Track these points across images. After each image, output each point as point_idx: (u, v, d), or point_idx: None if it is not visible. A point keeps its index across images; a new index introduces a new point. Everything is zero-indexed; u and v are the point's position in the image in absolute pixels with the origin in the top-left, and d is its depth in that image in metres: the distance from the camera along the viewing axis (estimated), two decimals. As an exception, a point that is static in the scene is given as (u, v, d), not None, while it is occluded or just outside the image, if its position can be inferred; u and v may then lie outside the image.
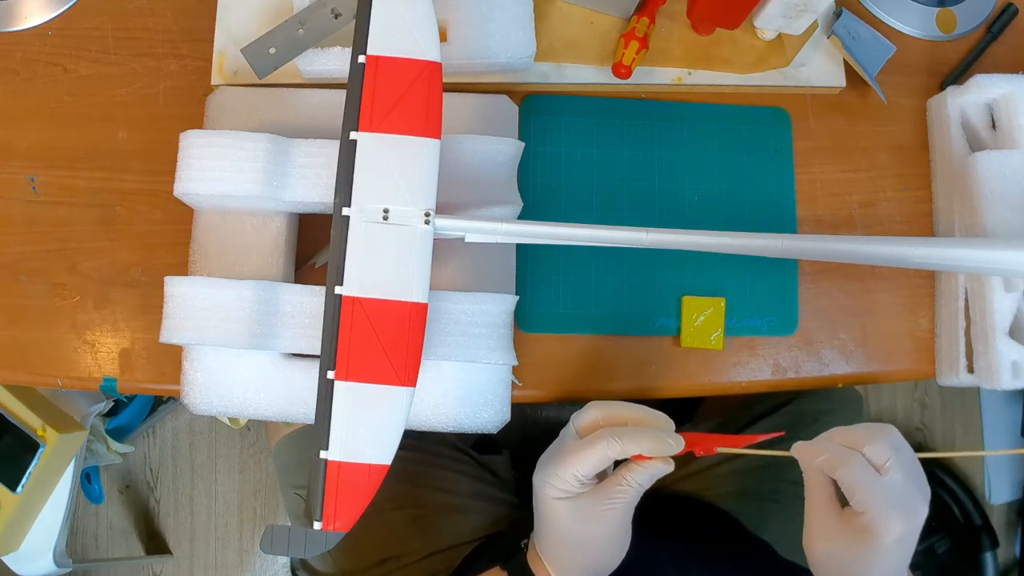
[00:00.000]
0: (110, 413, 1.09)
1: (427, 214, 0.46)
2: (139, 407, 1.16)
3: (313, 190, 0.51)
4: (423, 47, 0.48)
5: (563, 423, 0.49)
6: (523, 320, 0.59)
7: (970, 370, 0.59)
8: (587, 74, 0.61)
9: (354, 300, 0.45)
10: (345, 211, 0.46)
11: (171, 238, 0.58)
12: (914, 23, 0.66)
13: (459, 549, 0.69)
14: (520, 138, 0.59)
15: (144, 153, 0.59)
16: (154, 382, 0.58)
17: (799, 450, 0.47)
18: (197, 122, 0.58)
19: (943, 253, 0.49)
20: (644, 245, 0.49)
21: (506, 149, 0.55)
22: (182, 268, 0.56)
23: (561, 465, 0.46)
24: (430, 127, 0.47)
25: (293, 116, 0.57)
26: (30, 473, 0.82)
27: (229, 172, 0.50)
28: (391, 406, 0.44)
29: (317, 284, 0.50)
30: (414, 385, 0.45)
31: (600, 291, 0.60)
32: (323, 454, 0.43)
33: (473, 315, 0.50)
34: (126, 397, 1.10)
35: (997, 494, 1.36)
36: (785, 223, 0.63)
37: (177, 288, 0.51)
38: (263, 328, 0.50)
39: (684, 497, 0.73)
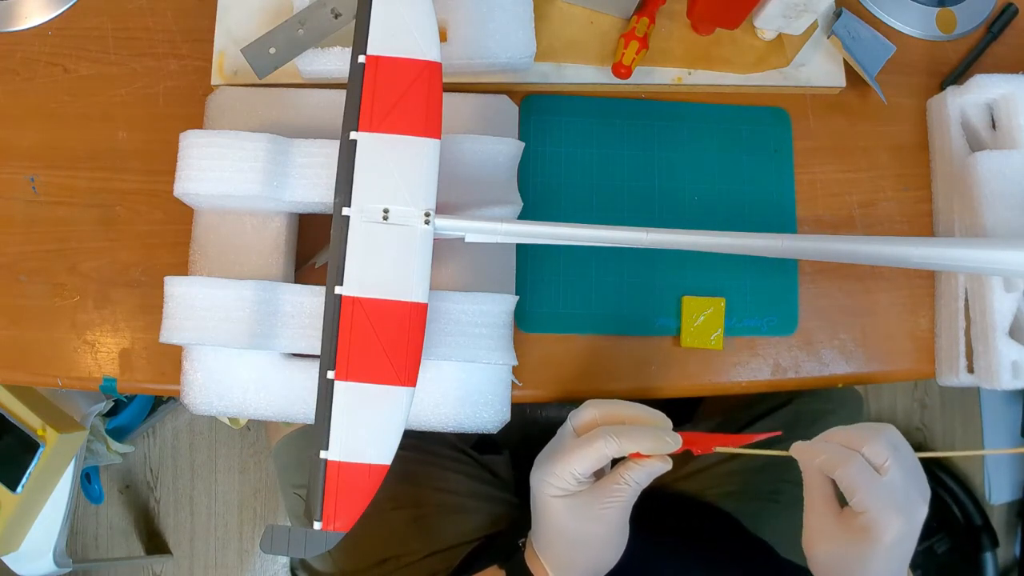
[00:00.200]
0: (110, 413, 1.09)
1: (427, 214, 0.46)
2: (139, 407, 1.16)
3: (313, 190, 0.51)
4: (423, 47, 0.48)
5: (563, 423, 0.49)
6: (523, 320, 0.59)
7: (970, 370, 0.59)
8: (587, 74, 0.61)
9: (354, 300, 0.45)
10: (345, 211, 0.46)
11: (171, 238, 0.58)
12: (914, 23, 0.66)
13: (459, 549, 0.69)
14: (520, 138, 0.59)
15: (144, 153, 0.59)
16: (154, 382, 0.58)
17: (798, 450, 0.47)
18: (197, 122, 0.58)
19: (943, 253, 0.49)
20: (644, 245, 0.49)
21: (506, 149, 0.55)
22: (182, 268, 0.56)
23: (559, 463, 0.46)
24: (430, 127, 0.47)
25: (293, 116, 0.57)
26: (30, 473, 0.82)
27: (229, 172, 0.50)
28: (391, 406, 0.44)
29: (317, 284, 0.50)
30: (414, 385, 0.45)
31: (600, 291, 0.60)
32: (323, 454, 0.43)
33: (473, 315, 0.50)
34: (126, 397, 1.10)
35: (997, 494, 1.36)
36: (785, 223, 0.63)
37: (177, 288, 0.51)
38: (263, 328, 0.50)
39: (684, 497, 0.73)
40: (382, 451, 0.44)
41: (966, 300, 0.60)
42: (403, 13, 0.48)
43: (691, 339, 0.60)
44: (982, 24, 0.67)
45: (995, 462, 1.37)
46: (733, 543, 0.67)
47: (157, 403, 1.22)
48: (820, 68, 0.63)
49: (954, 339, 0.60)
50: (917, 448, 0.48)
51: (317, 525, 0.43)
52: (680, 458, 0.68)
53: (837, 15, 0.62)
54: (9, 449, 0.81)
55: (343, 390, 0.44)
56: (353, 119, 0.46)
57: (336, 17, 0.53)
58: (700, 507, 0.71)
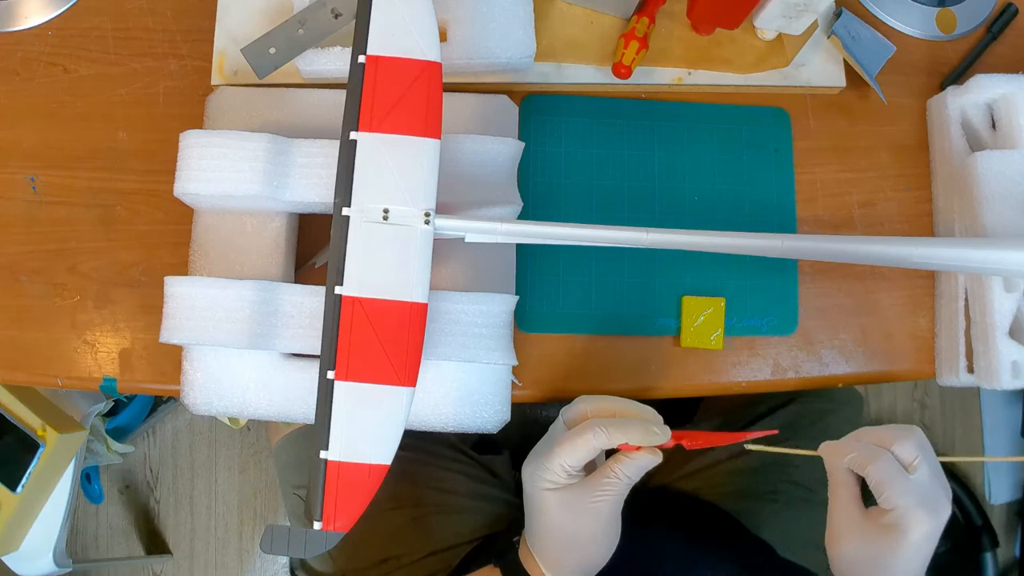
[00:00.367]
0: (110, 413, 1.09)
1: (427, 214, 0.46)
2: (139, 407, 1.16)
3: (313, 190, 0.51)
4: (423, 47, 0.48)
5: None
6: (523, 320, 0.59)
7: (970, 370, 0.59)
8: (587, 74, 0.61)
9: (354, 300, 0.45)
10: (345, 211, 0.46)
11: (171, 238, 0.58)
12: (914, 23, 0.66)
13: (459, 549, 0.69)
14: (520, 138, 0.59)
15: (144, 153, 0.59)
16: (154, 382, 0.58)
17: (827, 449, 0.48)
18: (197, 122, 0.58)
19: (943, 253, 0.49)
20: (644, 245, 0.49)
21: (506, 149, 0.55)
22: (182, 268, 0.56)
23: (550, 456, 0.46)
24: (430, 127, 0.47)
25: (293, 116, 0.57)
26: (30, 473, 0.82)
27: (229, 172, 0.50)
28: (391, 406, 0.44)
29: (317, 284, 0.50)
30: (414, 385, 0.45)
31: (600, 291, 0.60)
32: (323, 454, 0.43)
33: (473, 315, 0.50)
34: (126, 397, 1.10)
35: (997, 494, 1.36)
36: (785, 223, 0.63)
37: (177, 288, 0.51)
38: (263, 328, 0.50)
39: (684, 496, 0.73)
40: (382, 451, 0.44)
41: (966, 300, 0.60)
42: (403, 13, 0.48)
43: (691, 339, 0.60)
44: (982, 24, 0.67)
45: (995, 462, 1.37)
46: (733, 542, 0.67)
47: (157, 403, 1.22)
48: (820, 68, 0.63)
49: (954, 339, 0.60)
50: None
51: (317, 525, 0.43)
52: (680, 458, 0.68)
53: (837, 15, 0.62)
54: (9, 449, 0.81)
55: (343, 390, 0.44)
56: (353, 119, 0.46)
57: (336, 17, 0.53)
58: (700, 506, 0.71)
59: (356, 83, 0.47)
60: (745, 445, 0.48)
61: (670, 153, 0.62)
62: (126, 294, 0.58)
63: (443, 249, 0.55)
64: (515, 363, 0.53)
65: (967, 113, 0.62)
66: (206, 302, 0.50)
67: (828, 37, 0.62)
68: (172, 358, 0.57)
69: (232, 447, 1.33)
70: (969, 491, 1.32)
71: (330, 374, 0.44)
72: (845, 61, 0.62)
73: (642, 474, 0.47)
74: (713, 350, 0.60)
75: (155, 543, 1.31)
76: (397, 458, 0.44)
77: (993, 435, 1.39)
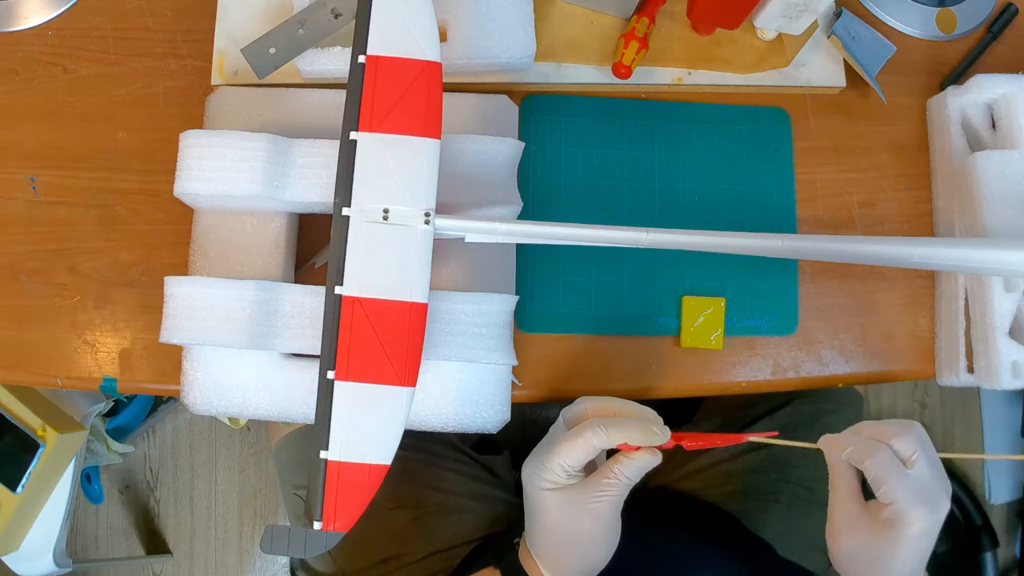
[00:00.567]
0: (110, 413, 1.09)
1: (427, 214, 0.46)
2: (139, 407, 1.16)
3: (313, 190, 0.51)
4: (423, 47, 0.48)
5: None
6: (523, 320, 0.59)
7: (970, 370, 0.59)
8: (587, 74, 0.61)
9: (354, 300, 0.45)
10: (345, 211, 0.46)
11: (171, 238, 0.58)
12: (914, 23, 0.66)
13: (459, 549, 0.68)
14: (520, 138, 0.59)
15: (144, 153, 0.59)
16: (154, 382, 0.58)
17: (826, 442, 0.48)
18: (197, 122, 0.58)
19: (943, 253, 0.49)
20: (644, 245, 0.49)
21: (506, 149, 0.55)
22: (182, 268, 0.56)
23: (549, 456, 0.46)
24: (430, 127, 0.47)
25: (293, 116, 0.57)
26: (30, 473, 0.82)
27: (229, 172, 0.50)
28: (391, 406, 0.44)
29: (317, 284, 0.50)
30: (414, 385, 0.45)
31: (600, 291, 0.60)
32: (323, 454, 0.43)
33: (473, 315, 0.50)
34: (126, 397, 1.10)
35: (997, 494, 1.36)
36: (785, 223, 0.63)
37: (177, 288, 0.51)
38: (263, 328, 0.50)
39: (684, 496, 0.73)
40: (382, 451, 0.44)
41: (966, 300, 0.60)
42: (403, 13, 0.48)
43: (691, 339, 0.60)
44: (982, 24, 0.67)
45: (995, 462, 1.37)
46: (734, 542, 0.67)
47: (157, 403, 1.22)
48: (820, 68, 0.63)
49: (954, 339, 0.60)
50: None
51: (317, 525, 0.43)
52: (681, 458, 0.68)
53: (837, 15, 0.62)
54: (9, 449, 0.81)
55: (343, 390, 0.44)
56: (353, 119, 0.46)
57: (336, 17, 0.53)
58: (700, 506, 0.71)
59: (356, 83, 0.47)
60: (748, 438, 0.49)
61: (670, 153, 0.62)
62: (126, 294, 0.58)
63: (443, 249, 0.55)
64: (515, 363, 0.53)
65: (967, 113, 0.62)
66: (206, 302, 0.50)
67: (828, 37, 0.62)
68: (172, 358, 0.57)
69: (232, 447, 1.33)
70: (969, 491, 1.32)
71: (330, 374, 0.44)
72: (845, 61, 0.62)
73: (642, 475, 0.47)
74: (713, 350, 0.60)
75: (155, 543, 1.31)
76: (397, 458, 0.44)
77: (993, 435, 1.39)
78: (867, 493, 0.47)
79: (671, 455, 0.60)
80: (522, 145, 0.56)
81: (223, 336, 0.50)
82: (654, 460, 0.46)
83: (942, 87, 0.65)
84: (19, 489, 0.82)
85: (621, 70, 0.59)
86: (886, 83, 0.62)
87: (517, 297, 0.53)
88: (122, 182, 0.59)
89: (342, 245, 0.45)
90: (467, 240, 0.49)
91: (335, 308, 0.45)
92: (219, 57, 0.58)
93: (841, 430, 0.50)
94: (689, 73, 0.62)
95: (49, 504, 0.87)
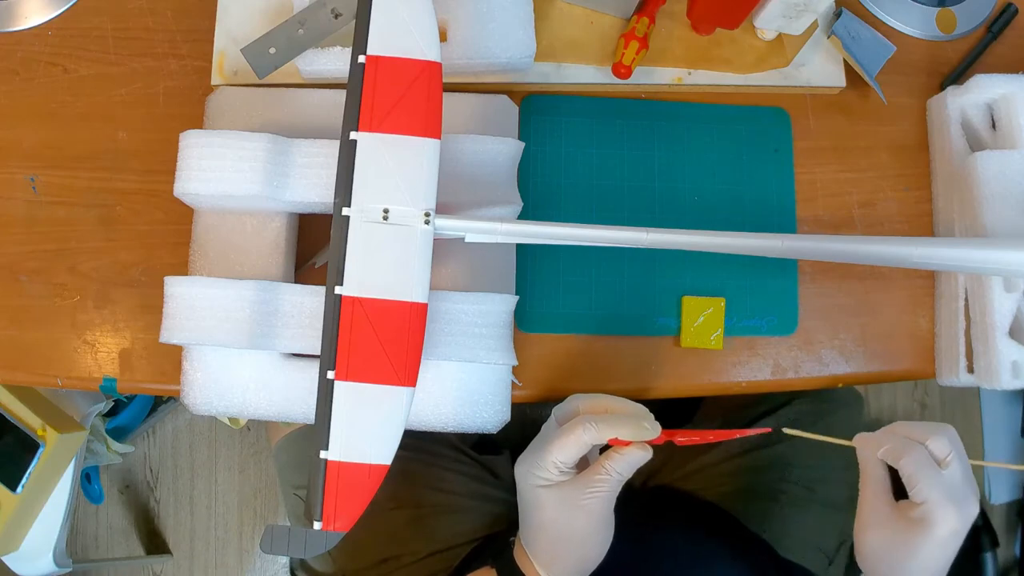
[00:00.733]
0: (110, 413, 1.09)
1: (427, 214, 0.46)
2: (139, 407, 1.16)
3: (313, 190, 0.51)
4: (423, 47, 0.48)
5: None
6: (523, 320, 0.59)
7: (970, 370, 0.59)
8: (587, 74, 0.61)
9: (354, 300, 0.45)
10: (345, 211, 0.46)
11: (171, 238, 0.58)
12: (914, 23, 0.66)
13: (459, 549, 0.69)
14: (520, 138, 0.59)
15: (144, 153, 0.59)
16: (154, 382, 0.58)
17: (861, 440, 0.48)
18: (197, 122, 0.58)
19: (943, 253, 0.49)
20: (644, 245, 0.49)
21: (506, 149, 0.55)
22: (182, 268, 0.56)
23: (542, 454, 0.47)
24: (430, 127, 0.47)
25: (293, 116, 0.57)
26: (30, 473, 0.82)
27: (229, 172, 0.50)
28: (391, 406, 0.44)
29: (317, 284, 0.50)
30: (414, 385, 0.45)
31: (600, 291, 0.60)
32: (323, 454, 0.43)
33: (473, 315, 0.50)
34: (126, 397, 1.10)
35: (997, 494, 1.36)
36: (785, 223, 0.63)
37: (177, 288, 0.50)
38: (263, 328, 0.50)
39: (685, 495, 0.72)
40: (382, 451, 0.44)
41: (966, 300, 0.60)
42: (403, 13, 0.48)
43: (691, 339, 0.60)
44: (982, 24, 0.67)
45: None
46: (733, 541, 0.67)
47: (157, 403, 1.22)
48: (820, 68, 0.63)
49: (954, 339, 0.60)
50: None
51: (317, 525, 0.43)
52: (681, 458, 0.68)
53: (837, 15, 0.62)
54: (9, 449, 0.81)
55: (343, 390, 0.44)
56: (353, 119, 0.46)
57: (336, 17, 0.53)
58: (701, 506, 0.71)
59: (356, 83, 0.47)
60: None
61: (670, 153, 0.62)
62: (126, 294, 0.58)
63: (443, 249, 0.55)
64: (515, 363, 0.53)
65: (967, 113, 0.62)
66: (206, 302, 0.50)
67: (828, 37, 0.62)
68: (172, 358, 0.57)
69: (232, 447, 1.33)
70: (969, 491, 1.31)
71: (330, 374, 0.44)
72: (845, 61, 0.62)
73: (633, 470, 0.47)
74: (713, 350, 0.60)
75: (155, 543, 1.31)
76: (397, 458, 0.44)
77: (993, 435, 1.39)
78: (896, 494, 0.47)
79: (671, 455, 0.60)
80: (522, 145, 0.56)
81: (223, 336, 0.50)
82: (644, 455, 0.47)
83: (942, 87, 0.65)
84: (19, 489, 0.82)
85: (621, 70, 0.59)
86: (886, 83, 0.62)
87: (517, 297, 0.53)
88: (122, 182, 0.59)
89: (342, 245, 0.45)
90: (467, 240, 0.49)
91: (335, 308, 0.45)
92: (219, 57, 0.58)
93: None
94: (689, 73, 0.62)
95: (49, 504, 0.88)
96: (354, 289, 0.45)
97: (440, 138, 0.47)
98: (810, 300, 0.62)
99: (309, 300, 0.51)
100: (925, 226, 0.64)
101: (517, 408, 0.57)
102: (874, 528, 0.47)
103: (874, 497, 0.47)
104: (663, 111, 0.63)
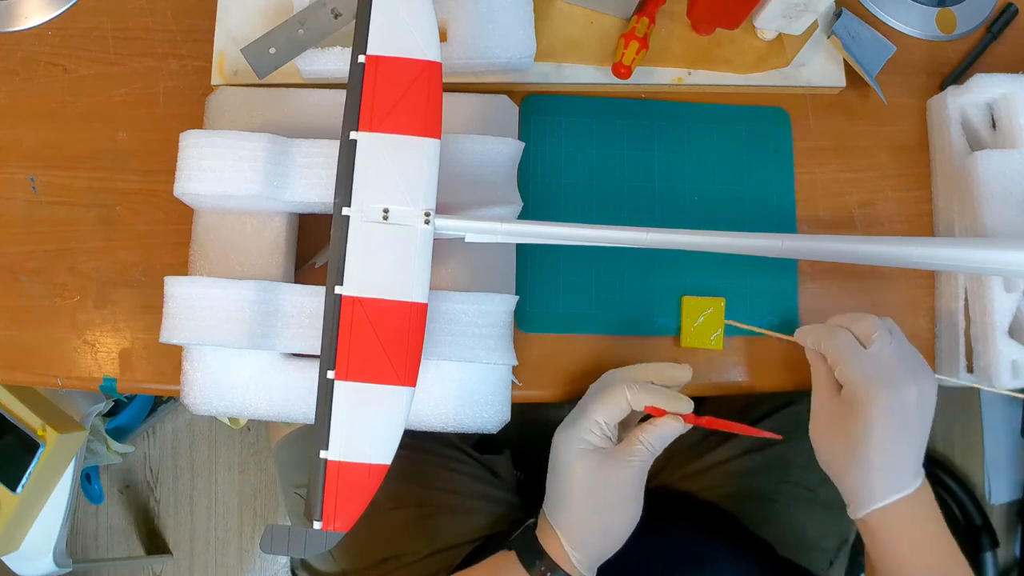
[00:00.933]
0: (110, 413, 1.09)
1: (427, 214, 0.46)
2: (139, 407, 1.16)
3: (313, 190, 0.51)
4: (423, 47, 0.48)
5: (567, 415, 0.51)
6: (523, 320, 0.59)
7: (970, 370, 0.59)
8: (587, 74, 0.61)
9: (354, 300, 0.45)
10: (345, 211, 0.46)
11: (171, 238, 0.58)
12: (914, 23, 0.66)
13: (460, 549, 0.69)
14: (520, 138, 0.59)
15: (144, 153, 0.59)
16: (154, 382, 0.58)
17: (799, 333, 0.50)
18: (197, 122, 0.58)
19: (943, 253, 0.49)
20: (644, 245, 0.49)
21: (506, 149, 0.55)
22: (182, 268, 0.56)
23: (584, 415, 0.48)
24: (430, 127, 0.47)
25: (293, 116, 0.57)
26: (30, 473, 0.82)
27: (229, 172, 0.50)
28: (391, 406, 0.44)
29: (317, 284, 0.50)
30: (414, 385, 0.45)
31: (600, 291, 0.60)
32: (323, 454, 0.43)
33: (473, 315, 0.50)
34: (126, 397, 1.10)
35: (997, 494, 1.36)
36: (785, 223, 0.63)
37: (177, 288, 0.51)
38: (263, 328, 0.50)
39: (686, 496, 0.73)
40: (382, 451, 0.44)
41: (966, 300, 0.60)
42: (403, 13, 0.48)
43: (691, 339, 0.60)
44: (982, 24, 0.67)
45: (995, 462, 1.37)
46: (733, 542, 0.67)
47: (157, 403, 1.22)
48: (820, 68, 0.63)
49: (954, 339, 0.60)
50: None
51: (317, 525, 0.43)
52: (682, 458, 0.68)
53: (837, 15, 0.62)
54: (9, 449, 0.81)
55: (343, 390, 0.44)
56: (353, 119, 0.46)
57: (336, 17, 0.53)
58: (701, 506, 0.71)
59: (356, 83, 0.47)
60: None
61: (670, 153, 0.62)
62: (126, 294, 0.58)
63: (443, 249, 0.55)
64: (515, 363, 0.53)
65: (967, 113, 0.62)
66: (206, 302, 0.50)
67: (828, 37, 0.62)
68: (172, 358, 0.57)
69: (232, 447, 1.33)
70: (969, 491, 1.32)
71: (330, 374, 0.44)
72: (845, 61, 0.62)
73: (665, 444, 0.48)
74: (713, 350, 0.60)
75: (155, 543, 1.31)
76: (397, 458, 0.44)
77: (993, 435, 1.39)
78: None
79: (672, 456, 0.60)
80: (522, 145, 0.56)
81: (223, 336, 0.50)
82: (677, 427, 0.48)
83: (942, 87, 0.65)
84: (19, 489, 0.82)
85: (621, 70, 0.59)
86: (886, 83, 0.62)
87: (517, 297, 0.53)
88: (122, 182, 0.59)
89: (342, 245, 0.45)
90: (467, 240, 0.49)
91: (335, 308, 0.45)
92: (219, 57, 0.58)
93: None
94: (689, 73, 0.62)
95: (49, 504, 0.88)
96: (354, 289, 0.45)
97: (440, 138, 0.47)
98: (810, 300, 0.62)
99: (309, 300, 0.51)
100: (925, 226, 0.64)
101: (517, 408, 0.57)
102: (818, 419, 0.47)
103: (819, 389, 0.47)
104: (663, 111, 0.63)
